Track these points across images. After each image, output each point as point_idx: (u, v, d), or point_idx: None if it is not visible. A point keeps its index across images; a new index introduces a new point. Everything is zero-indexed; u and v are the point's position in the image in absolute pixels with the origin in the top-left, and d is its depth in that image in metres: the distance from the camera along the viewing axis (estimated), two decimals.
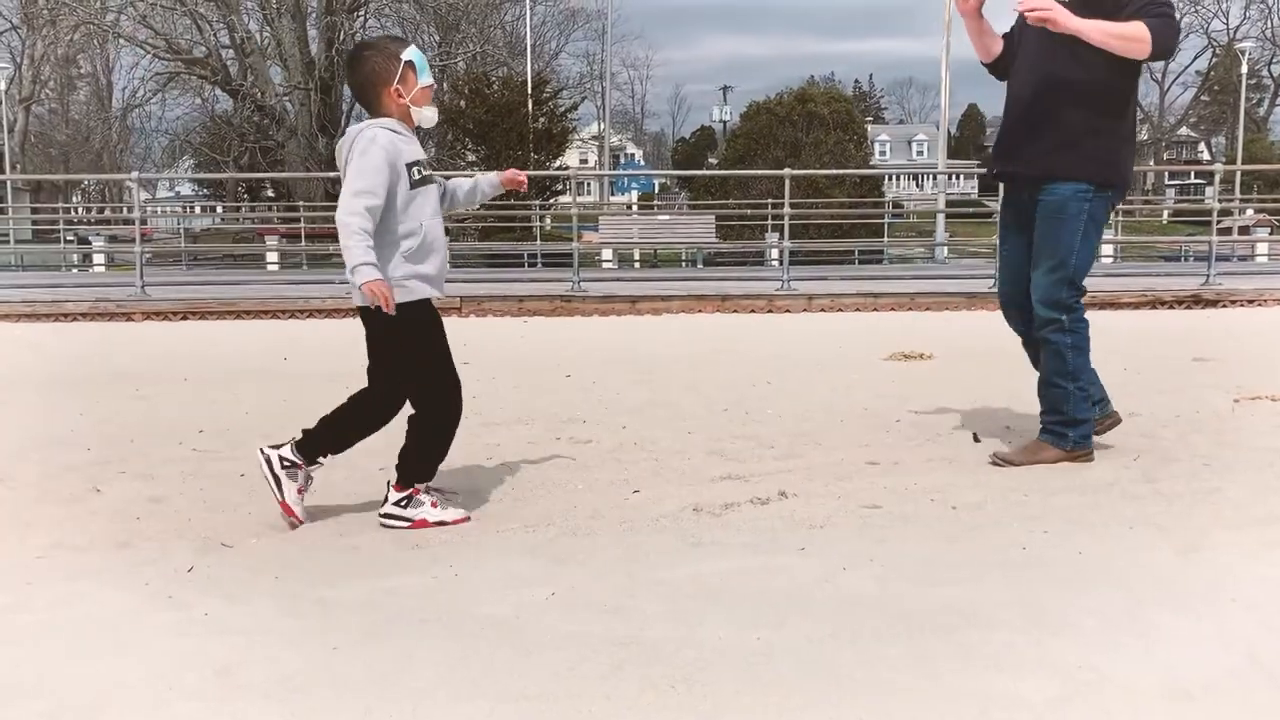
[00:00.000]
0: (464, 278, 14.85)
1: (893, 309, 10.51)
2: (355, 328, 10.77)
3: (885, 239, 20.40)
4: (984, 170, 4.55)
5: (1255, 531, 3.17)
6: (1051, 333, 4.02)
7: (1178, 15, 3.96)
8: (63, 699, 2.17)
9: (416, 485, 3.46)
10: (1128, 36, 3.75)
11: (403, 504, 3.44)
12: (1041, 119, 3.95)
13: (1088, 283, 4.15)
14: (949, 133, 29.41)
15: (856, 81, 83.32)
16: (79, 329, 9.81)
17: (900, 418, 5.12)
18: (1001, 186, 4.25)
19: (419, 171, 3.33)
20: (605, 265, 19.45)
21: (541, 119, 29.52)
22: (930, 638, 2.40)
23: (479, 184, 3.75)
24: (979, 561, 2.95)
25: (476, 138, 29.46)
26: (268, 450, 3.43)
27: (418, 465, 3.48)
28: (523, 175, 3.78)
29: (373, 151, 3.22)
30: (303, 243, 23.55)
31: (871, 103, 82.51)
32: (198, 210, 45.51)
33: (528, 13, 36.43)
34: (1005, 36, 4.19)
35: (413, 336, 3.39)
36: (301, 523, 3.44)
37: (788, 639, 2.41)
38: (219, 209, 42.52)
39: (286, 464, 3.42)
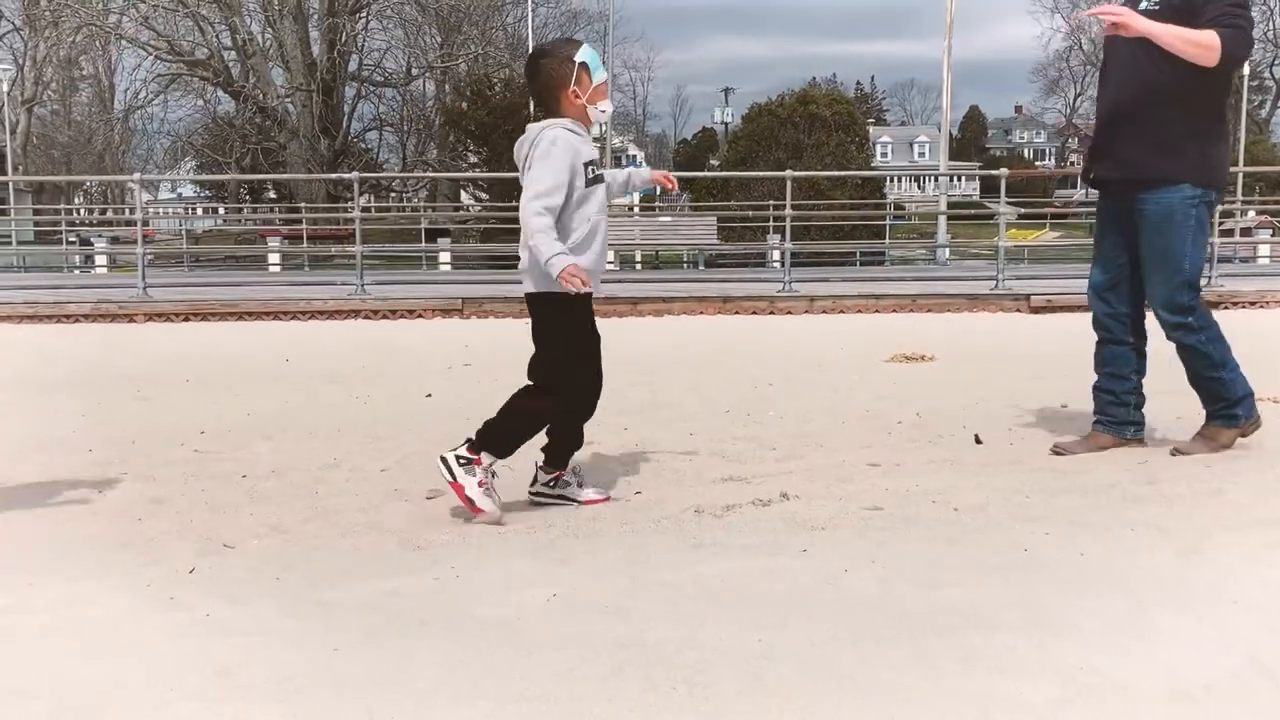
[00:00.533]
0: (465, 279, 14.85)
1: (894, 310, 10.50)
2: (356, 329, 10.79)
3: (887, 240, 20.36)
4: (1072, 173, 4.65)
5: (1257, 533, 3.16)
6: (1183, 336, 4.11)
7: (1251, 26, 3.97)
8: (63, 700, 2.17)
9: (483, 455, 3.48)
10: (1199, 43, 3.79)
11: (462, 462, 3.48)
12: (1138, 122, 4.00)
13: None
14: (951, 134, 29.41)
15: (858, 83, 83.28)
16: (81, 330, 9.82)
17: (902, 419, 5.12)
18: (1099, 191, 4.31)
19: (593, 170, 3.47)
20: (606, 266, 19.43)
21: None
22: (932, 639, 2.40)
23: (631, 177, 3.87)
24: (980, 563, 2.94)
25: (478, 139, 29.49)
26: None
27: (498, 436, 3.52)
28: (674, 180, 3.85)
29: (555, 153, 3.38)
30: (304, 244, 23.57)
31: (873, 104, 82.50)
32: (199, 211, 45.53)
33: (529, 14, 36.40)
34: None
35: (561, 322, 3.54)
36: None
37: (789, 640, 2.41)
38: (221, 210, 42.54)
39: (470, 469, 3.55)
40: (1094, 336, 4.36)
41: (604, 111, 3.53)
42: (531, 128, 3.50)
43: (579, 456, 3.82)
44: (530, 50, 3.67)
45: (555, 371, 3.56)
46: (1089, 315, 4.39)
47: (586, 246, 3.48)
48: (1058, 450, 4.28)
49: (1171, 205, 3.98)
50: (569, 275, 3.30)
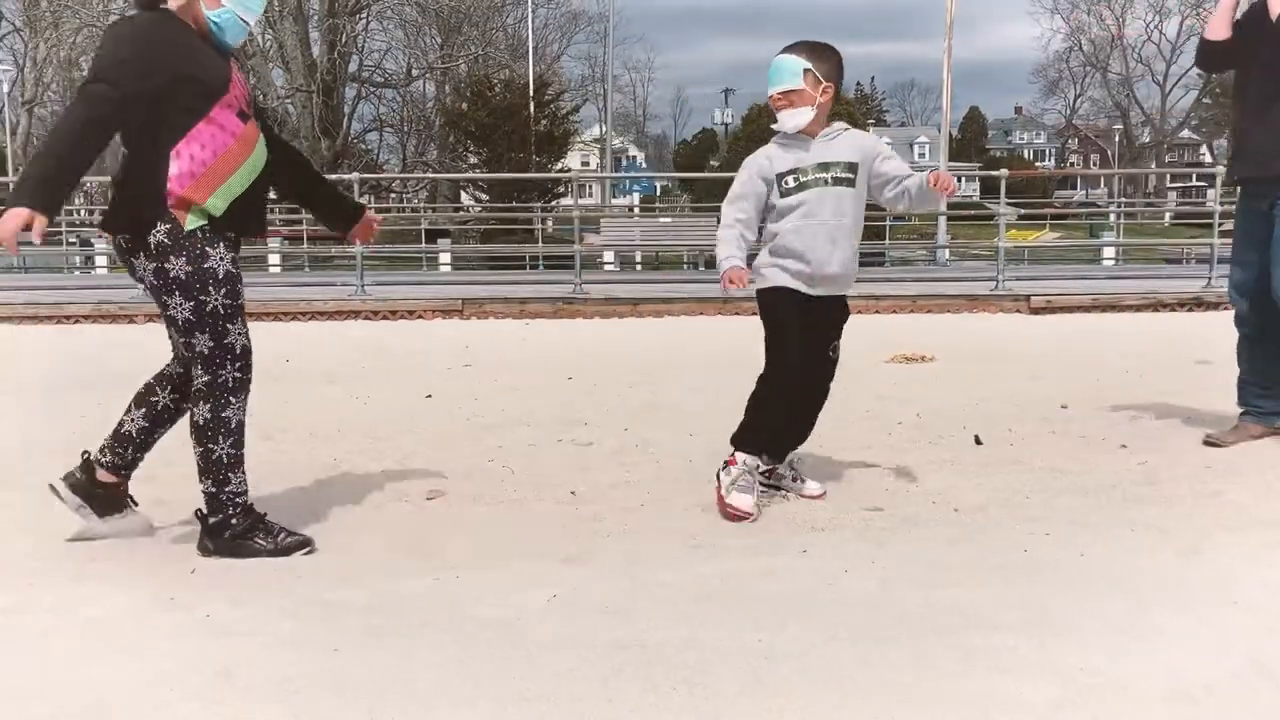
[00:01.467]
0: (465, 279, 14.86)
1: (894, 311, 10.50)
2: (356, 330, 10.77)
3: (886, 241, 20.31)
4: (1229, 175, 4.74)
5: (1257, 534, 3.17)
6: None
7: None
8: (64, 701, 2.17)
9: (736, 455, 3.59)
10: None
11: (724, 466, 3.61)
12: (1270, 122, 4.12)
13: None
14: (950, 135, 29.38)
15: (858, 84, 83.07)
16: (81, 331, 9.81)
17: (902, 419, 5.12)
18: (1239, 190, 4.49)
19: (794, 180, 3.56)
20: (607, 268, 19.42)
21: (543, 121, 29.53)
22: (932, 640, 2.40)
23: (922, 183, 3.61)
24: (981, 564, 2.94)
25: (478, 140, 29.48)
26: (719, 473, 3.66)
27: (739, 431, 3.65)
28: (951, 182, 3.62)
29: (741, 173, 3.67)
30: (304, 244, 23.54)
31: (873, 105, 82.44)
32: None
33: (529, 15, 36.46)
34: (1234, 26, 4.34)
35: (766, 317, 3.67)
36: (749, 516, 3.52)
37: (789, 641, 2.41)
38: None
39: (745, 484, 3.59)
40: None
41: (779, 124, 3.59)
42: None
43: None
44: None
45: (768, 359, 3.68)
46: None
47: (787, 250, 3.55)
48: (1211, 441, 4.34)
49: None
50: (726, 277, 3.48)
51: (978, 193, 56.59)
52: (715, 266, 3.56)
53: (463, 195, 35.45)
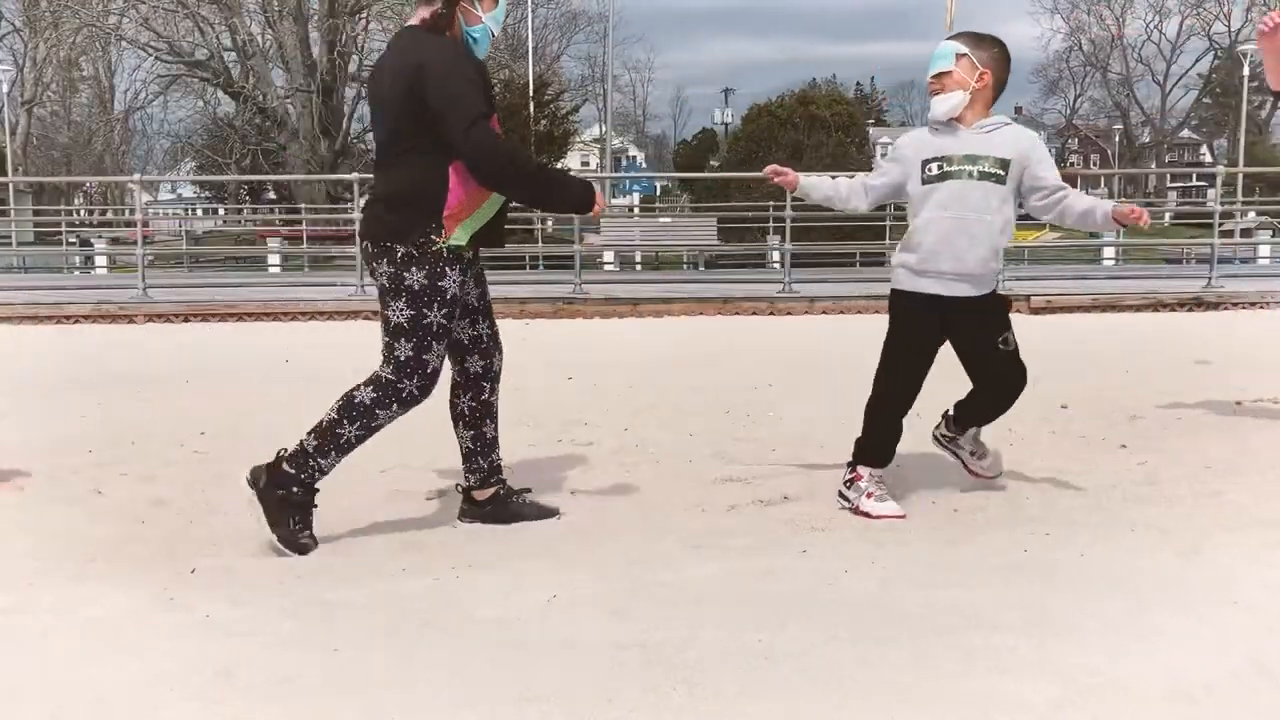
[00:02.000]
0: None
1: None
2: (356, 330, 10.74)
3: (887, 241, 20.29)
4: None
5: (1257, 534, 3.17)
6: None
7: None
8: (64, 701, 2.17)
9: (859, 469, 3.56)
10: None
11: (848, 484, 3.59)
12: None
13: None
14: None
15: (858, 84, 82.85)
16: (81, 331, 9.81)
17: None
18: None
19: (938, 168, 3.40)
20: (607, 268, 19.41)
21: (543, 121, 29.49)
22: (932, 640, 2.40)
23: (1094, 211, 3.47)
24: (980, 564, 2.95)
25: None
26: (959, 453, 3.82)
27: (858, 444, 3.62)
28: (1142, 214, 3.36)
29: (890, 150, 3.62)
30: (304, 245, 23.54)
31: (874, 105, 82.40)
32: (199, 213, 45.51)
33: (529, 15, 36.39)
34: None
35: (889, 319, 3.61)
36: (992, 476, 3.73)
37: (789, 641, 2.41)
38: (221, 211, 42.52)
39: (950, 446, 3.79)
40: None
41: (932, 110, 3.46)
42: None
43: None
44: None
45: (880, 363, 3.65)
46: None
47: (914, 245, 3.45)
48: None
49: None
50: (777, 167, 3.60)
51: None
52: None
53: None
